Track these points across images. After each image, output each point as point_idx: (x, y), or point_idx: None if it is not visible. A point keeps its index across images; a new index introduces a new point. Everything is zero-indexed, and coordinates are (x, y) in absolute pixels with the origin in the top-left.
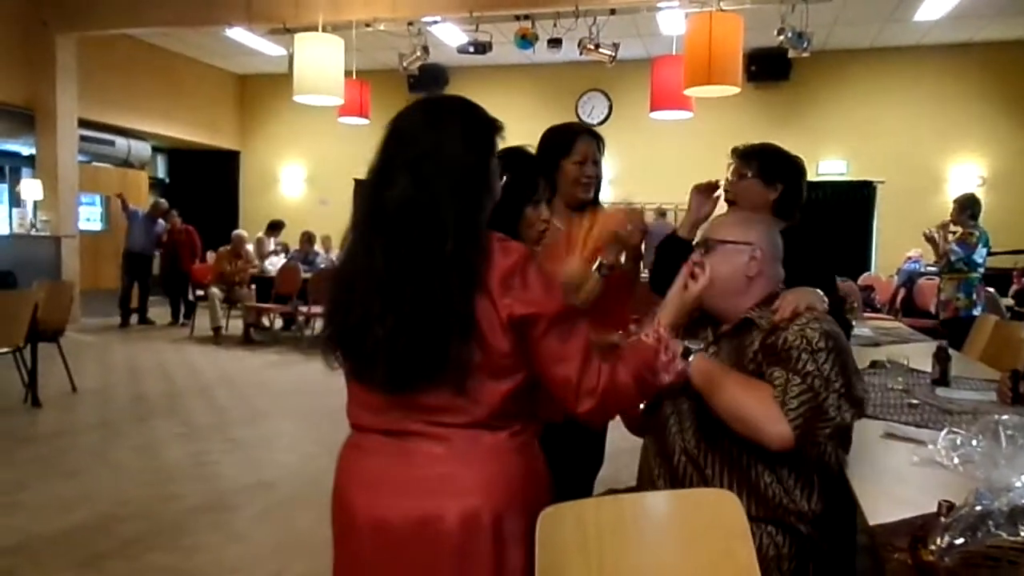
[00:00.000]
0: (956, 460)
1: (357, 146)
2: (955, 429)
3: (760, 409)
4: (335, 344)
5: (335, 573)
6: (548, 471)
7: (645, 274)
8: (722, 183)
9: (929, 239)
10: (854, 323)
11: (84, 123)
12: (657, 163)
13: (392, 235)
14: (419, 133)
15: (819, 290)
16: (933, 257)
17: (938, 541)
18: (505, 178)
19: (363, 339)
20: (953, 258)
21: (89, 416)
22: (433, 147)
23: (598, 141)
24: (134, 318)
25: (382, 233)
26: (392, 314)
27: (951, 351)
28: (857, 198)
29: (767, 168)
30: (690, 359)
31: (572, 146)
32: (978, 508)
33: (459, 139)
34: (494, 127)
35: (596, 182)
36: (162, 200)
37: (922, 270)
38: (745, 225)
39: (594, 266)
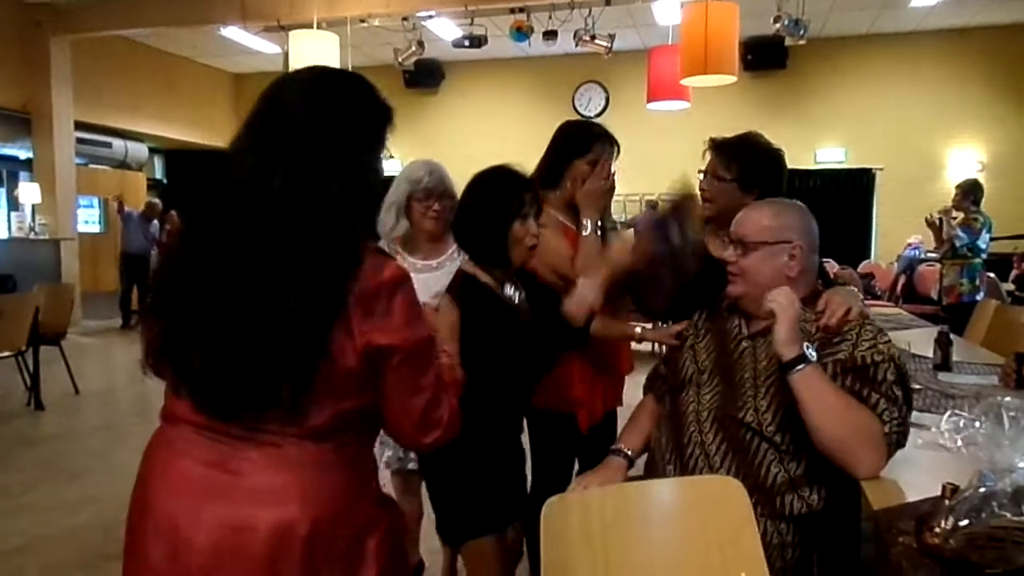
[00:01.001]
0: (959, 442)
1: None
2: (958, 412)
3: (869, 441)
4: (159, 342)
5: None
6: (378, 488)
7: None
8: (700, 176)
9: (931, 224)
10: None
11: (81, 125)
12: (655, 154)
13: (249, 230)
14: (299, 112)
15: (854, 288)
16: (934, 243)
17: (943, 524)
18: (488, 196)
19: (188, 353)
20: (958, 243)
21: (92, 418)
22: (314, 130)
23: (616, 146)
24: (134, 319)
25: (236, 224)
26: (228, 332)
27: (952, 336)
28: (856, 186)
29: (747, 175)
30: (802, 367)
31: (589, 148)
32: (982, 490)
33: (346, 126)
34: (386, 116)
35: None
36: (156, 201)
37: (922, 256)
38: (780, 218)
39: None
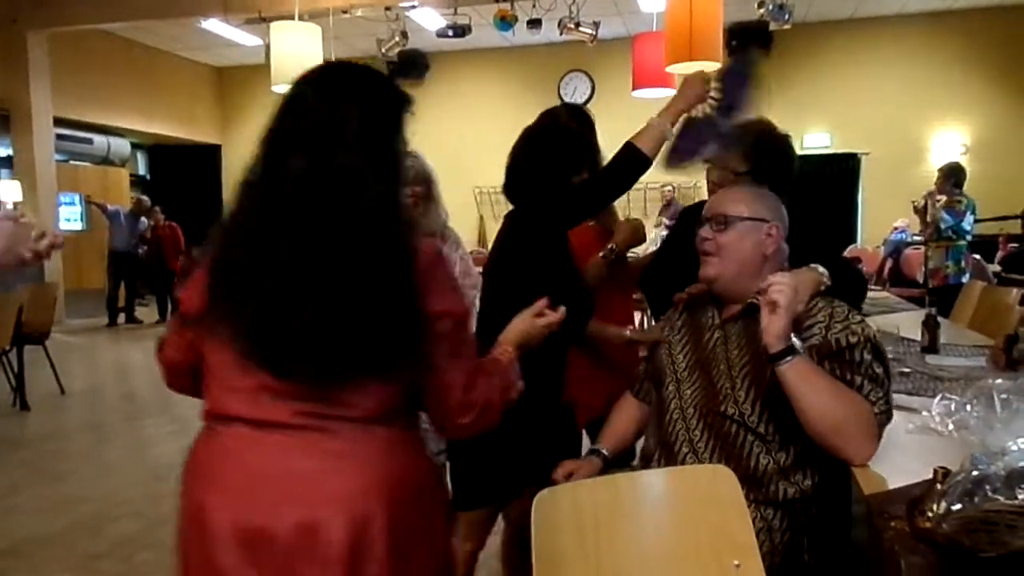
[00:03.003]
0: (951, 426)
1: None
2: (948, 395)
3: (862, 427)
4: (242, 335)
5: None
6: (438, 468)
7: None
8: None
9: (919, 210)
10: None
11: (60, 121)
12: None
13: (299, 218)
14: (323, 105)
15: (819, 266)
16: (920, 227)
17: (935, 508)
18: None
19: (283, 327)
20: (943, 226)
21: (78, 417)
22: (339, 120)
23: None
24: (121, 317)
25: (283, 216)
26: (329, 300)
27: (939, 319)
28: (842, 170)
29: (761, 168)
30: (790, 359)
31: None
32: (974, 473)
33: (362, 113)
34: (403, 101)
35: None
36: (144, 197)
37: (909, 240)
38: (760, 199)
39: (600, 253)
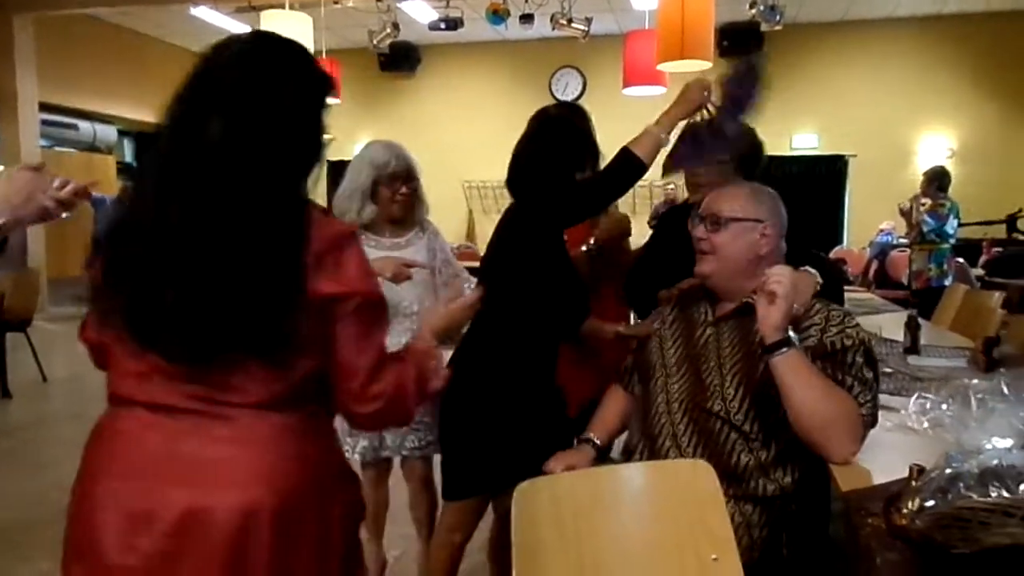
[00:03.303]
0: (926, 424)
1: (328, 127)
2: (924, 394)
3: (848, 426)
4: (122, 312)
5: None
6: (342, 458)
7: None
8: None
9: (904, 213)
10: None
11: (45, 107)
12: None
13: (199, 187)
14: (238, 73)
15: (812, 269)
16: (905, 229)
17: (910, 505)
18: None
19: (155, 302)
20: (926, 229)
21: (61, 406)
22: (254, 90)
23: None
24: None
25: (184, 184)
26: (203, 274)
27: (921, 320)
28: (829, 172)
29: (744, 157)
30: (785, 350)
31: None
32: (948, 471)
33: (286, 86)
34: (326, 81)
35: None
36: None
37: (894, 242)
38: (755, 198)
39: (583, 247)
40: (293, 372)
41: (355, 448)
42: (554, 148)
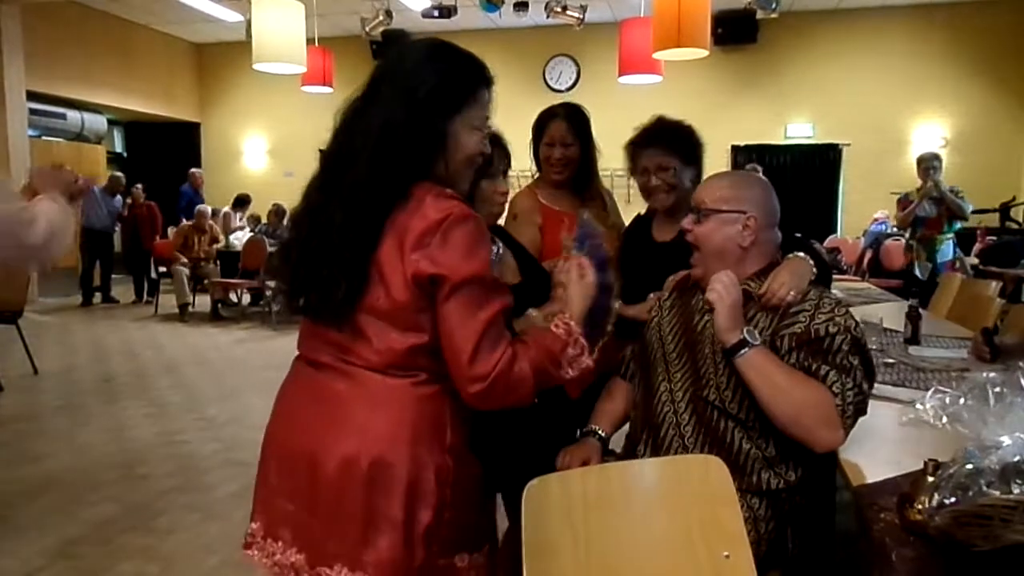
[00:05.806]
0: (944, 419)
1: (321, 116)
2: (941, 388)
3: (821, 415)
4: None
5: (254, 499)
6: (456, 440)
7: None
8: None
9: (925, 189)
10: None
11: (33, 96)
12: (627, 128)
13: (330, 171)
14: (408, 64)
15: (800, 253)
16: (896, 219)
17: (926, 501)
18: None
19: (315, 277)
20: (921, 213)
21: (53, 398)
22: (406, 71)
23: (572, 121)
24: (97, 297)
25: (342, 183)
26: (310, 244)
27: (920, 310)
28: (823, 161)
29: (688, 153)
30: (744, 351)
31: (544, 129)
32: (968, 467)
33: (432, 66)
34: (481, 70)
35: (571, 163)
36: (119, 174)
37: (888, 231)
38: (739, 189)
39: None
40: (402, 342)
41: None
42: None
